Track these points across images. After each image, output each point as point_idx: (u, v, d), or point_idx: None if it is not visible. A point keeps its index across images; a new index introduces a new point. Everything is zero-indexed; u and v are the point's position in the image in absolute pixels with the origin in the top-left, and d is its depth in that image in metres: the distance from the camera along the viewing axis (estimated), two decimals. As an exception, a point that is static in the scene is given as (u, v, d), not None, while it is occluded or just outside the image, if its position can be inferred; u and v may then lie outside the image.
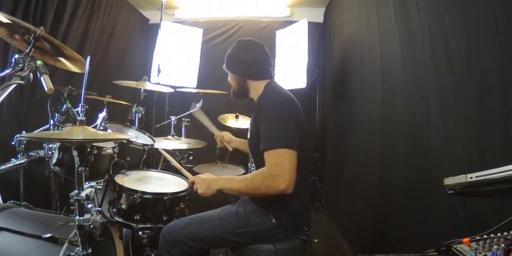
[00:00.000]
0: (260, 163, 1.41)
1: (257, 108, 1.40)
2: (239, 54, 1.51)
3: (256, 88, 1.49)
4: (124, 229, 1.67)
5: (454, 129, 1.24)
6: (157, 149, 2.23)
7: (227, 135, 1.94)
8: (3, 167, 1.45)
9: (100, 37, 3.18)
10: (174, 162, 1.63)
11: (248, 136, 1.50)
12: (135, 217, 1.56)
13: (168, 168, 2.50)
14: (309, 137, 3.31)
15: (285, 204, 1.36)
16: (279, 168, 1.22)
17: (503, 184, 0.61)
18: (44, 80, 1.23)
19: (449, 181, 0.73)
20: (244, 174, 2.23)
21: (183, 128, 2.71)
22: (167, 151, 1.79)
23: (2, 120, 2.25)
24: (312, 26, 3.52)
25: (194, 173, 2.17)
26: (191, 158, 2.64)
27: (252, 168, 1.48)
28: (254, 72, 1.49)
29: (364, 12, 2.33)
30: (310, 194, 3.17)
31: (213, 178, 1.37)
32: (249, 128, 1.49)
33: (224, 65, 1.57)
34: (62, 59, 1.52)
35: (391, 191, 1.77)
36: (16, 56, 1.23)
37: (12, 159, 1.51)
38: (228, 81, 1.60)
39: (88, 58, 1.26)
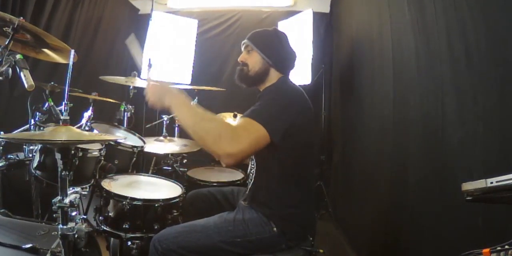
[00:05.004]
0: (261, 161, 1.43)
1: (261, 95, 1.45)
2: (284, 40, 1.55)
3: (272, 79, 1.51)
4: (112, 238, 1.68)
5: (473, 129, 1.24)
6: (148, 151, 2.24)
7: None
8: (-21, 171, 1.45)
9: (85, 29, 3.17)
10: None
11: None
12: (124, 226, 1.57)
13: (160, 172, 2.51)
14: (314, 138, 3.32)
15: (288, 212, 1.36)
16: (245, 135, 1.19)
17: (527, 189, 0.61)
18: (24, 75, 1.24)
19: (467, 186, 0.73)
20: (243, 178, 2.23)
21: (176, 128, 2.72)
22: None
23: (-22, 120, 2.26)
24: (318, 16, 3.52)
25: (189, 177, 2.19)
26: (185, 161, 2.64)
27: (252, 166, 1.48)
28: (285, 63, 1.53)
29: (375, 1, 2.33)
30: (315, 200, 3.17)
31: (169, 91, 1.28)
32: None
33: (251, 41, 1.52)
34: (45, 50, 1.52)
35: (403, 197, 1.77)
36: (-7, 49, 1.23)
37: (-11, 163, 1.51)
38: (239, 60, 1.54)
39: (72, 52, 1.26)
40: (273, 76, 1.51)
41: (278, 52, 1.51)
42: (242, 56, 1.54)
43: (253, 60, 1.50)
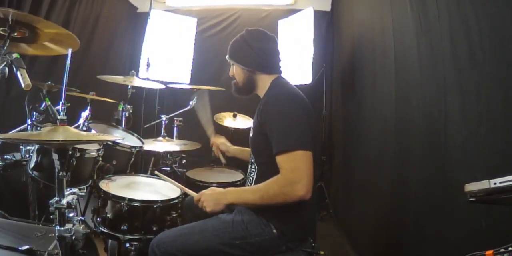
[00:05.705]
0: (262, 164, 1.43)
1: (264, 105, 1.41)
2: (253, 42, 1.51)
3: (264, 83, 1.51)
4: (110, 240, 1.67)
5: (476, 129, 1.24)
6: (146, 151, 2.24)
7: (223, 144, 1.94)
8: (-25, 171, 1.45)
9: (83, 27, 3.17)
10: (175, 184, 1.64)
11: (251, 135, 1.51)
12: (122, 227, 1.56)
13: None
14: (316, 138, 3.32)
15: (288, 213, 1.35)
16: (297, 173, 1.24)
17: (531, 190, 0.61)
18: (21, 75, 1.23)
19: (471, 187, 0.73)
20: (243, 179, 2.23)
21: (175, 128, 2.72)
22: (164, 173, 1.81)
23: (-26, 120, 2.26)
24: (319, 15, 3.52)
25: (187, 178, 2.19)
26: (184, 161, 2.64)
27: (253, 170, 1.49)
28: (266, 64, 1.51)
29: None
30: (316, 201, 3.17)
31: (220, 192, 1.37)
32: (252, 126, 1.50)
33: (228, 55, 1.57)
34: (46, 43, 1.50)
35: (406, 198, 1.77)
36: (-11, 48, 1.23)
37: (-15, 163, 1.52)
38: (230, 75, 1.61)
39: (70, 51, 1.26)
40: (263, 79, 1.52)
41: (253, 57, 1.50)
42: (230, 71, 1.61)
43: (237, 72, 1.57)
